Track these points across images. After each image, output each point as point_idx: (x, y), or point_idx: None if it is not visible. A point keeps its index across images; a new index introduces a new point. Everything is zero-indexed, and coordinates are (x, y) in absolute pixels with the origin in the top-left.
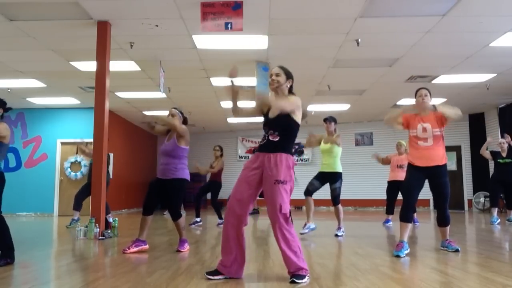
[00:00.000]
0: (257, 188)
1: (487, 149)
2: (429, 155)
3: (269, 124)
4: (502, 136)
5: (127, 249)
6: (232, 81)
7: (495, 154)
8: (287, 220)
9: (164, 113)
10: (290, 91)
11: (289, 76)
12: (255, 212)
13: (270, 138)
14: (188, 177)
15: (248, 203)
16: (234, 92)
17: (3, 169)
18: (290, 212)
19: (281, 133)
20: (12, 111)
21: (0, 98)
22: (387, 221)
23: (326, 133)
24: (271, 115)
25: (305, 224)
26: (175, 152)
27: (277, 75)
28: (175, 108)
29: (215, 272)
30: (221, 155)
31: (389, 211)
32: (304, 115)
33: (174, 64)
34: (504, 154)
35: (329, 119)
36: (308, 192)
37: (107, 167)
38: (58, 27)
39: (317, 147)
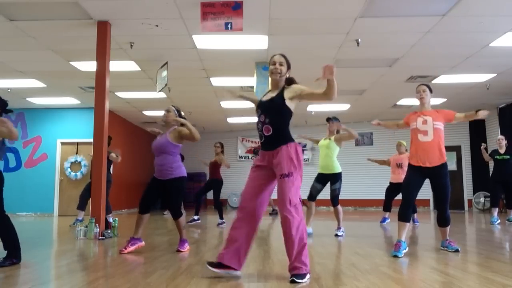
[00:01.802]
0: (267, 186)
1: (486, 151)
2: (429, 154)
3: (261, 106)
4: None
5: (123, 249)
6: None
7: (493, 152)
8: (299, 212)
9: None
10: (290, 80)
11: (289, 66)
12: (275, 213)
13: (265, 133)
14: (185, 174)
15: (254, 202)
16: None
17: (2, 168)
18: (300, 199)
19: (272, 121)
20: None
21: (2, 99)
22: (383, 220)
23: (328, 133)
24: (265, 98)
25: None
26: (167, 148)
27: (280, 64)
28: (173, 106)
29: (217, 265)
30: (222, 152)
31: (387, 208)
32: None
33: (174, 64)
34: (502, 151)
35: (332, 119)
36: (312, 197)
37: (110, 167)
38: (58, 27)
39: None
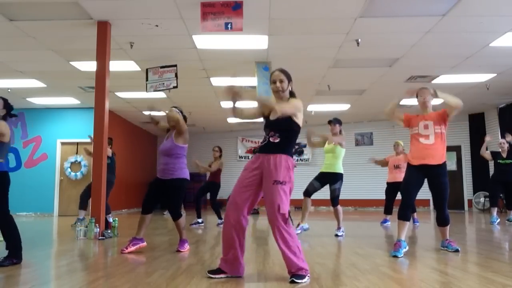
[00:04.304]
0: (257, 189)
1: (487, 149)
2: (429, 153)
3: (269, 126)
4: (503, 136)
5: (125, 249)
6: (233, 82)
7: (495, 155)
8: (286, 220)
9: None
10: (291, 93)
11: (290, 79)
12: (255, 212)
13: (271, 139)
14: (188, 177)
15: (244, 205)
16: (235, 93)
17: (6, 168)
18: (289, 213)
19: (281, 135)
20: (13, 111)
21: (9, 102)
22: (384, 221)
23: (331, 134)
24: (272, 117)
25: (298, 225)
26: (174, 150)
27: (281, 81)
28: (175, 107)
29: (217, 271)
30: (220, 156)
31: (388, 211)
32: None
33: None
34: (504, 155)
35: (334, 121)
36: (308, 193)
37: (114, 167)
38: (58, 27)
39: (319, 147)
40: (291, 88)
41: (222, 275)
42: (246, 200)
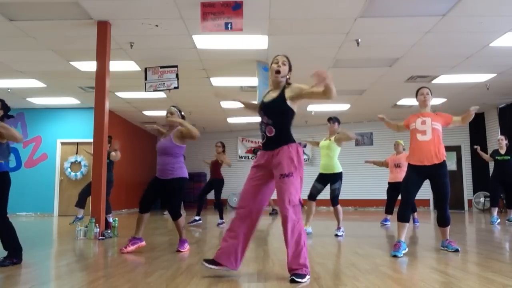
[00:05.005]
0: (267, 184)
1: (486, 152)
2: (427, 152)
3: (264, 109)
4: (502, 133)
5: (124, 248)
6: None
7: (493, 153)
8: (297, 213)
9: (164, 113)
10: (287, 83)
11: (290, 68)
12: (274, 213)
13: (268, 134)
14: (186, 175)
15: (257, 201)
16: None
17: (7, 168)
18: (301, 201)
19: (275, 122)
20: (12, 111)
21: (6, 103)
22: (385, 220)
23: (329, 133)
24: (267, 99)
25: None
26: (172, 149)
27: (283, 63)
28: (174, 106)
29: (212, 262)
30: (223, 151)
31: (388, 210)
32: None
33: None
34: (502, 151)
35: (333, 119)
36: (312, 196)
37: (111, 167)
38: (58, 27)
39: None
40: (289, 78)
41: (215, 267)
42: (258, 196)
